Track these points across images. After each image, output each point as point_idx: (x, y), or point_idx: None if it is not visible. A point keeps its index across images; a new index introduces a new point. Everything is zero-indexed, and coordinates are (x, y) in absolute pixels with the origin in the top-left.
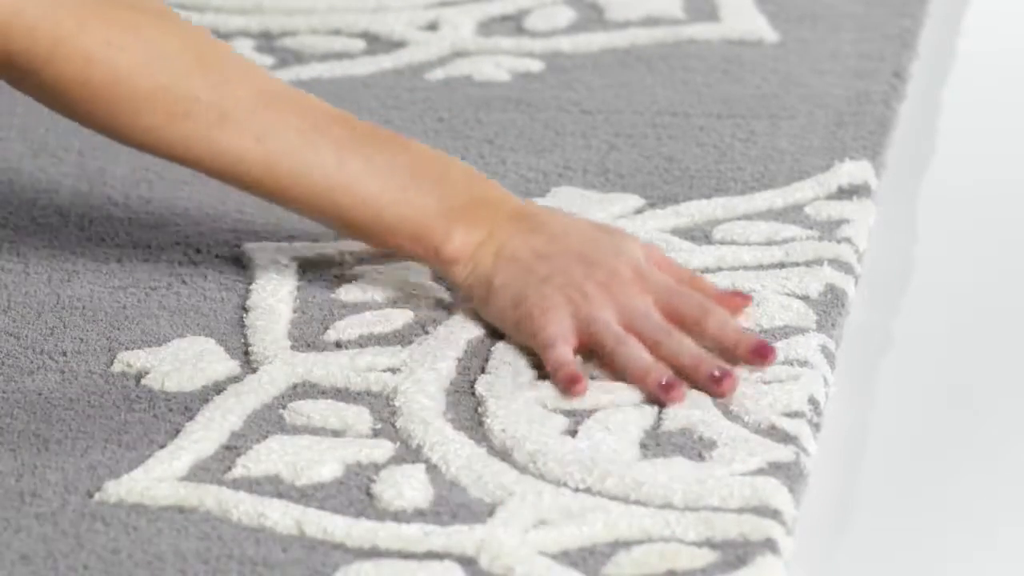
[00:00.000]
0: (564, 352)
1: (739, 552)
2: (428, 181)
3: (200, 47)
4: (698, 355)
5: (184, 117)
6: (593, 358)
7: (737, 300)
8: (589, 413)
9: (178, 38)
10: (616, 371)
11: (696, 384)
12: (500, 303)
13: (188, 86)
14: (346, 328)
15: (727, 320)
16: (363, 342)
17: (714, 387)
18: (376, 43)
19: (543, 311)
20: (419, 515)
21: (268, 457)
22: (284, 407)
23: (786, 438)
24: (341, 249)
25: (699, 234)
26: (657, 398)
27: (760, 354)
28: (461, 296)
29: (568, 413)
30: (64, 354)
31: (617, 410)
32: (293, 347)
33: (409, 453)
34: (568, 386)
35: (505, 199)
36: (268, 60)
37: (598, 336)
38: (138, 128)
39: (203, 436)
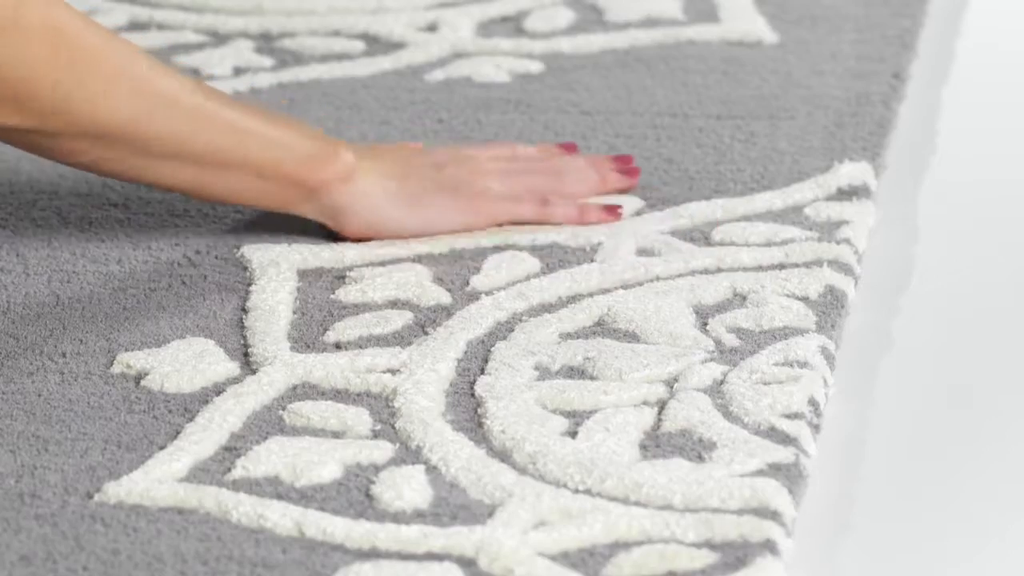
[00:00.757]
0: (566, 204)
1: (739, 553)
2: (288, 123)
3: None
4: (595, 176)
5: (122, 72)
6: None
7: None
8: (589, 414)
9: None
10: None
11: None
12: (445, 205)
13: (117, 43)
14: (346, 329)
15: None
16: (363, 343)
17: (629, 179)
18: (376, 44)
19: (491, 194)
20: (419, 516)
21: (268, 458)
22: (284, 408)
23: (786, 439)
24: (341, 250)
25: (698, 235)
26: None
27: (622, 161)
28: (362, 219)
29: (568, 414)
30: (64, 355)
31: (617, 411)
32: (293, 348)
33: (409, 454)
34: (611, 214)
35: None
36: (268, 61)
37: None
38: (95, 92)
39: (203, 437)
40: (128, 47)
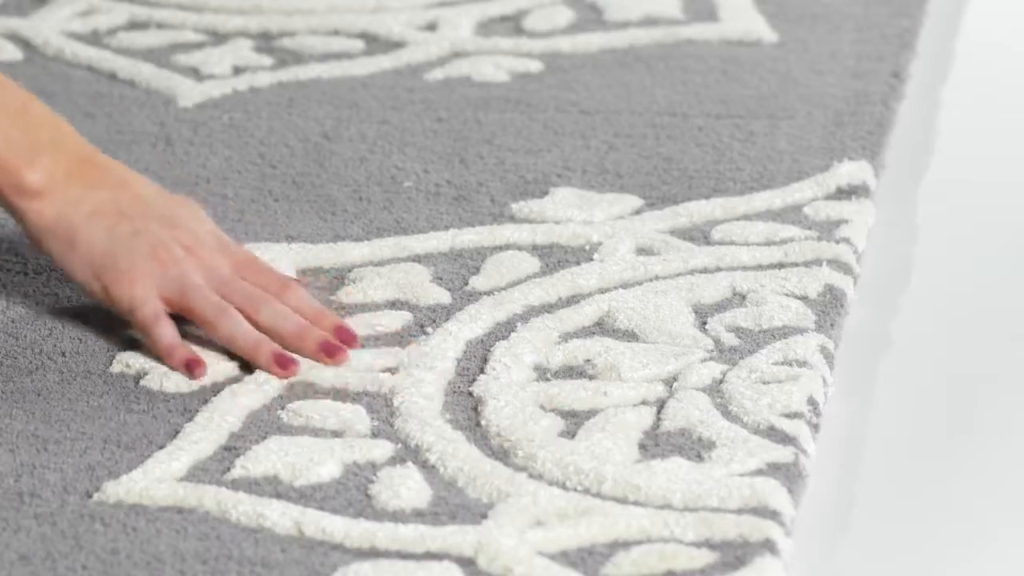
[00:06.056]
0: (169, 332)
1: (738, 553)
2: (10, 112)
3: None
4: (302, 323)
5: None
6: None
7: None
8: (588, 414)
9: None
10: (219, 341)
11: (304, 354)
12: (86, 258)
13: None
14: None
15: (307, 296)
16: (362, 343)
17: (328, 357)
18: (375, 43)
19: (132, 277)
20: (417, 515)
21: (267, 458)
22: (283, 408)
23: (785, 439)
24: (341, 250)
25: (698, 234)
26: (271, 371)
27: (342, 337)
28: (30, 237)
29: (567, 414)
30: (63, 354)
31: (615, 411)
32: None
33: (408, 453)
34: (189, 371)
35: (92, 151)
36: (267, 60)
37: (194, 303)
38: None
39: (202, 437)
40: None
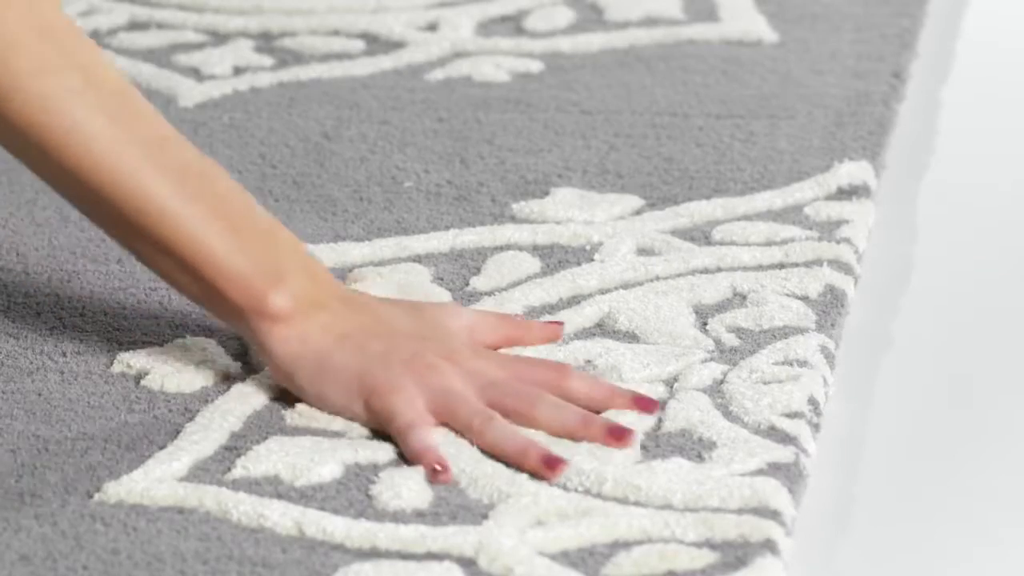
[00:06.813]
0: (425, 436)
1: (739, 553)
2: (258, 234)
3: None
4: (582, 414)
5: (51, 72)
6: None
7: (555, 331)
8: None
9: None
10: (486, 448)
11: (589, 440)
12: (340, 381)
13: (65, 47)
14: None
15: (589, 377)
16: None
17: (616, 441)
18: (375, 43)
19: (392, 389)
20: (418, 516)
21: (268, 458)
22: (284, 408)
23: (786, 439)
24: (342, 250)
25: (698, 235)
26: (540, 475)
27: (642, 406)
28: (274, 364)
29: None
30: (64, 355)
31: (617, 411)
32: None
33: None
34: (435, 476)
35: (333, 280)
36: (267, 60)
37: (458, 411)
38: (6, 72)
39: (203, 437)
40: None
